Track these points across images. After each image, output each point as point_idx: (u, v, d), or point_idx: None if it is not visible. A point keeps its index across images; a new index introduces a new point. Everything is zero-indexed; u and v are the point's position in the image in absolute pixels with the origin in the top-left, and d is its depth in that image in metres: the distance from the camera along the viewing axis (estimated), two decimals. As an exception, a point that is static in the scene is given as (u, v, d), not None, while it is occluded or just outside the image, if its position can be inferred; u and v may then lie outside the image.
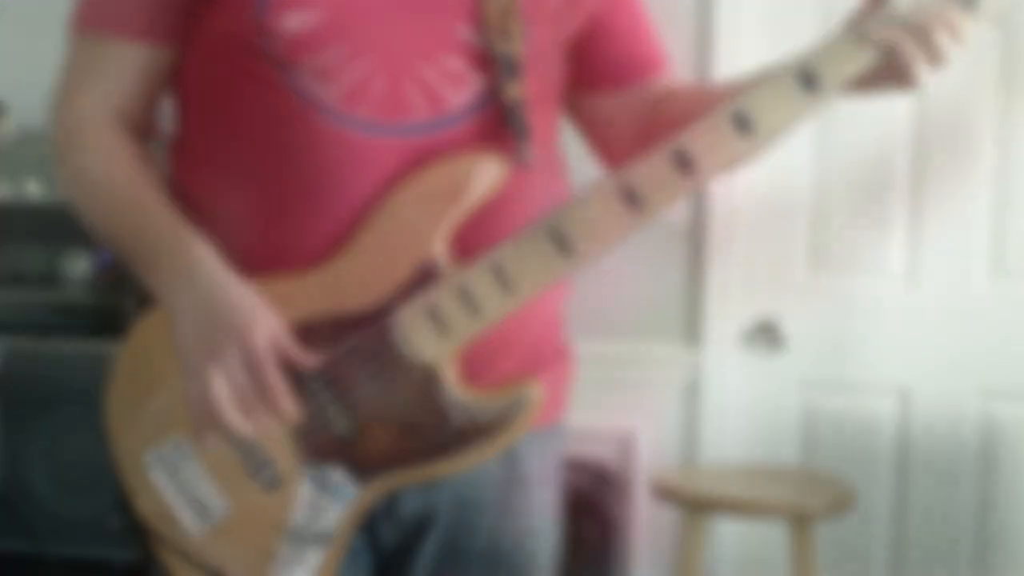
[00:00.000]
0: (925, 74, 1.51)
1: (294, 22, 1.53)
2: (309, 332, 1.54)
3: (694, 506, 3.08)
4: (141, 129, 1.64)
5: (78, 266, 3.71)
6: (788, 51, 1.56)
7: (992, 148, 3.45)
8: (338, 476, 1.57)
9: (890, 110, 3.38)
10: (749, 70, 1.62)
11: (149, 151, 1.64)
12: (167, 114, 1.66)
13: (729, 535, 3.46)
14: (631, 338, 3.57)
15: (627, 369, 3.56)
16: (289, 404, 1.51)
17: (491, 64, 1.57)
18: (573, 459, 2.99)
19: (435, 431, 1.56)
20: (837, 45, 1.52)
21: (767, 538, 3.30)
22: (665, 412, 3.58)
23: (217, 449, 1.56)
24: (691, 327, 3.59)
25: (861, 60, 1.51)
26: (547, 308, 1.66)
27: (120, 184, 1.59)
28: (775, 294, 3.55)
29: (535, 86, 1.60)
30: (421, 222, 1.53)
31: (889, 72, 1.52)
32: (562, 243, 1.52)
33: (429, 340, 1.53)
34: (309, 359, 1.53)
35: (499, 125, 1.58)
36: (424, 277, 1.53)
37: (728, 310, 3.56)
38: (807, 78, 1.51)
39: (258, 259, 1.56)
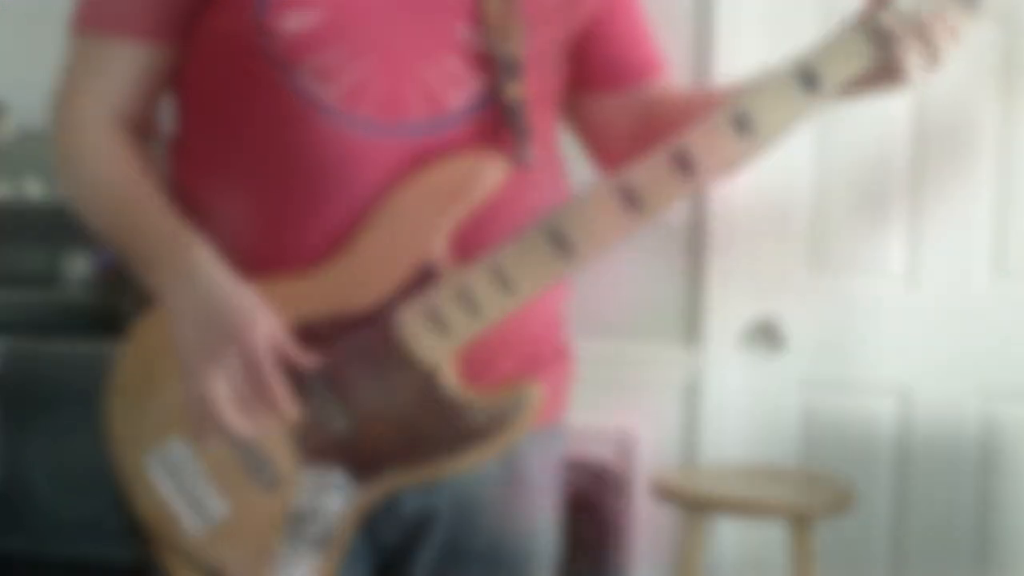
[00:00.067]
0: (921, 73, 1.51)
1: (294, 22, 1.53)
2: (309, 332, 1.54)
3: (694, 506, 3.08)
4: (141, 129, 1.63)
5: (78, 266, 3.70)
6: (788, 51, 1.56)
7: (992, 148, 3.44)
8: (338, 476, 1.57)
9: (890, 110, 3.37)
10: (749, 70, 1.62)
11: (149, 151, 1.64)
12: (167, 114, 1.66)
13: (729, 535, 3.46)
14: (631, 338, 3.57)
15: (627, 369, 3.55)
16: (289, 404, 1.51)
17: (491, 64, 1.57)
18: (573, 459, 2.98)
19: (435, 431, 1.55)
20: (837, 45, 1.52)
21: (767, 538, 3.30)
22: (665, 412, 3.58)
23: (217, 449, 1.56)
24: (691, 327, 3.58)
25: (861, 60, 1.51)
26: (547, 308, 1.65)
27: (120, 184, 1.59)
28: (775, 294, 3.54)
29: (535, 86, 1.60)
30: (421, 222, 1.53)
31: (885, 72, 1.52)
32: (562, 243, 1.52)
33: (429, 340, 1.53)
34: (309, 359, 1.53)
35: (499, 125, 1.58)
36: (424, 277, 1.53)
37: (728, 310, 3.55)
38: (807, 78, 1.51)
39: (258, 259, 1.55)
